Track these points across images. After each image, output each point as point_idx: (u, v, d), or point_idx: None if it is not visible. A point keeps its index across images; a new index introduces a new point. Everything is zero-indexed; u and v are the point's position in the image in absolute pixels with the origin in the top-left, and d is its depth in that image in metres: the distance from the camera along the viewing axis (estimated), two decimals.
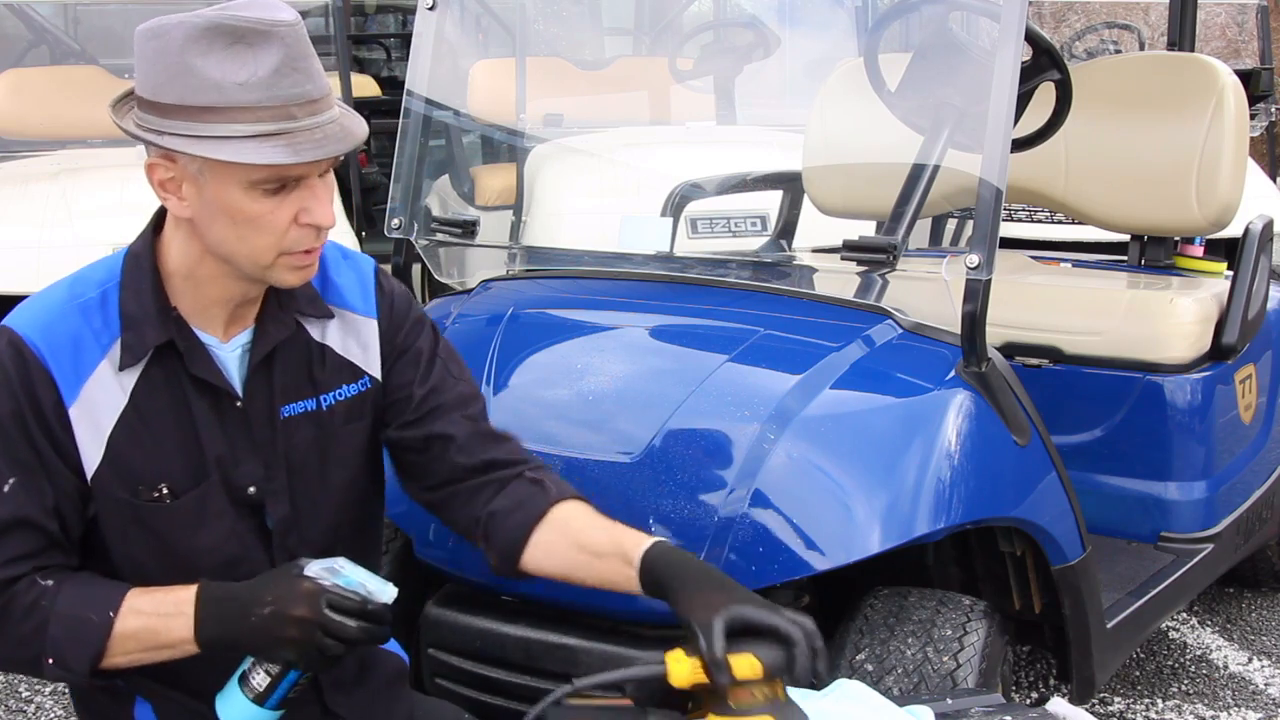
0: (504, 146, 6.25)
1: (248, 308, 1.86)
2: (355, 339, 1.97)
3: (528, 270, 3.13)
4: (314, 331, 1.93)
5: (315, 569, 1.79)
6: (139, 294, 1.80)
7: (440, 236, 2.97)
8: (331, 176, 1.80)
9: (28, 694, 3.48)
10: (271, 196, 1.72)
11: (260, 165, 1.68)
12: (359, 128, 1.76)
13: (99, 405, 1.78)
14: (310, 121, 1.70)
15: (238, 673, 1.82)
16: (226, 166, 1.68)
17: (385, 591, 1.79)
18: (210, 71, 1.66)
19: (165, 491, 1.82)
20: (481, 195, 6.03)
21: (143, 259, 1.82)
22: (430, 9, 2.90)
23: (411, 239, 2.91)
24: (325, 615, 1.73)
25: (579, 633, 2.35)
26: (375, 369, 1.98)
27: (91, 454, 1.78)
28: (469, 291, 2.92)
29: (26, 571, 1.74)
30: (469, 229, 2.96)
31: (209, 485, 1.84)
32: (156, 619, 1.76)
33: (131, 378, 1.80)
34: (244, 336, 1.88)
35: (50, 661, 1.73)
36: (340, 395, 1.95)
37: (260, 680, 1.80)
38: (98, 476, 1.79)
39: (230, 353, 1.87)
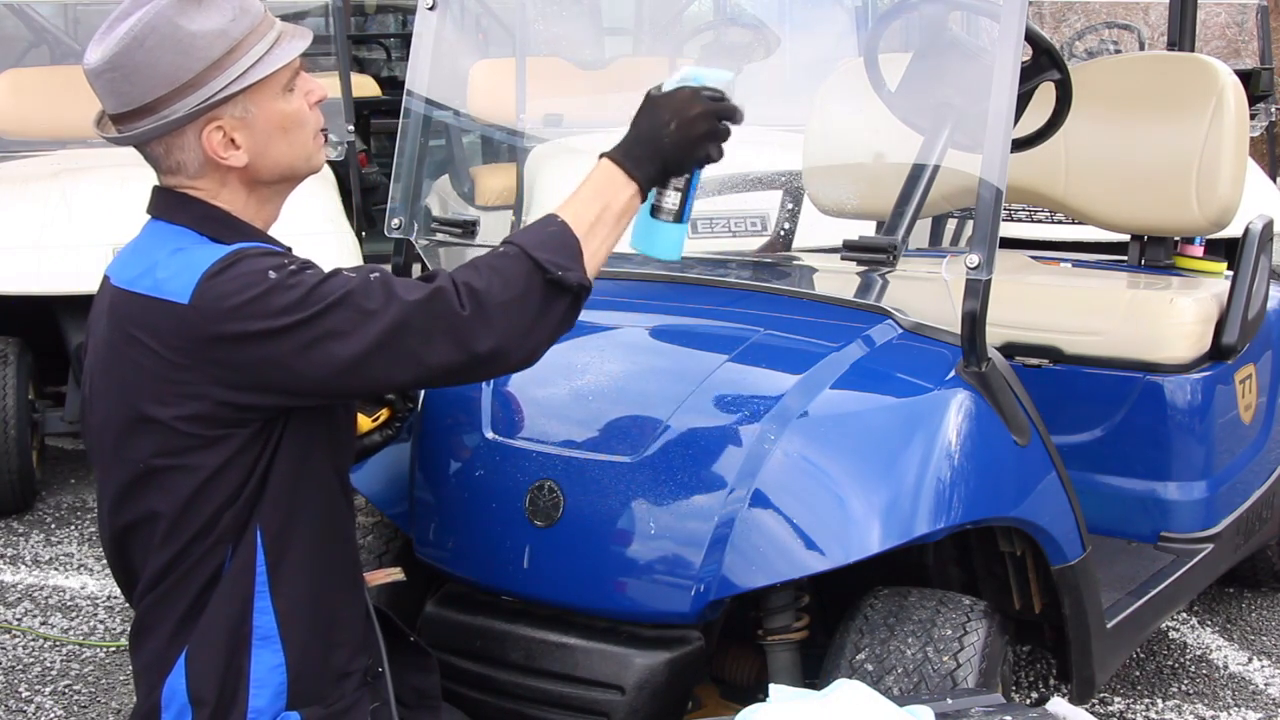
0: (504, 146, 6.25)
1: None
2: None
3: None
4: None
5: (674, 83, 2.10)
6: (248, 235, 1.99)
7: (440, 236, 2.97)
8: None
9: (27, 694, 3.49)
10: (294, 92, 2.00)
11: (288, 64, 1.96)
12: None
13: None
14: (279, 21, 2.01)
15: (644, 211, 2.11)
16: (266, 86, 1.95)
17: (725, 74, 2.14)
18: (208, 26, 1.91)
19: None
20: (481, 195, 6.02)
21: (223, 215, 1.99)
22: (430, 9, 2.90)
23: (411, 239, 2.90)
24: (712, 104, 2.08)
25: (579, 633, 2.35)
26: None
27: None
28: None
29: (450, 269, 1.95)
30: (469, 229, 2.96)
31: None
32: (600, 197, 2.02)
33: None
34: None
35: (561, 272, 1.93)
36: None
37: (672, 200, 2.12)
38: None
39: None
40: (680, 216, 2.14)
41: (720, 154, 2.12)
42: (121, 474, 1.97)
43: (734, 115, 2.11)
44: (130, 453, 1.95)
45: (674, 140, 2.06)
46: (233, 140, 1.96)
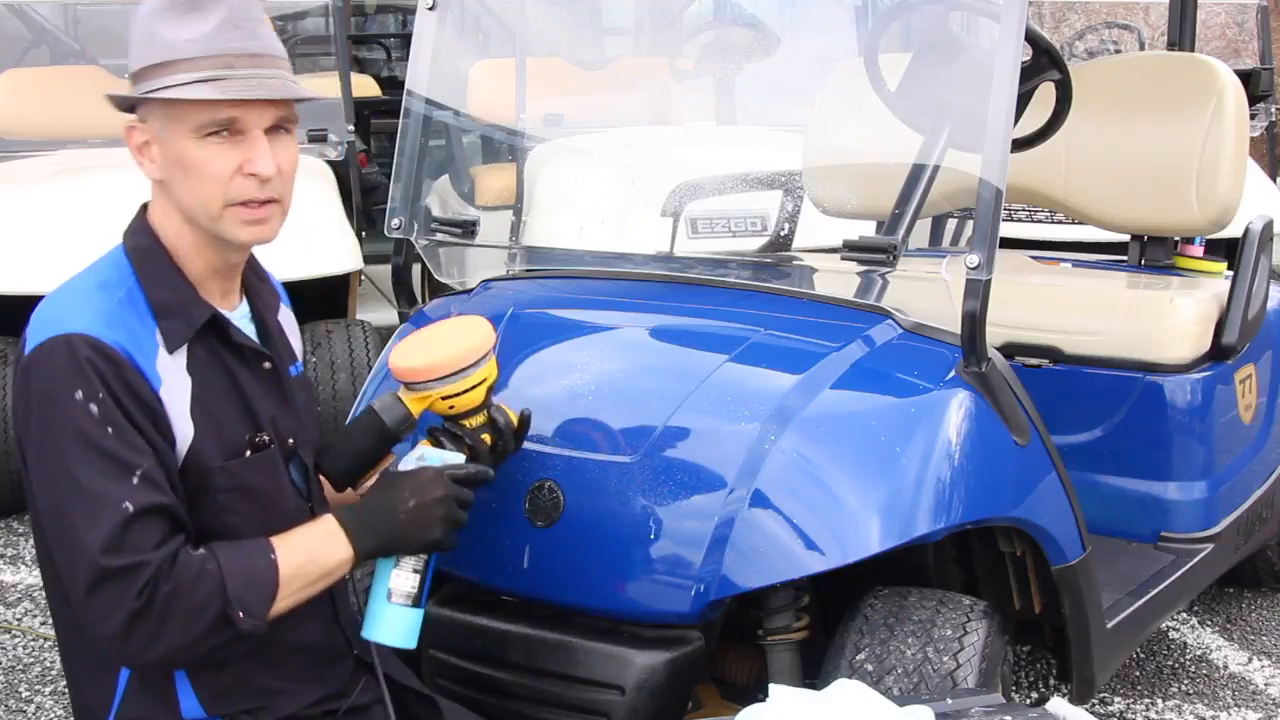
0: (504, 146, 6.25)
1: (233, 280, 2.02)
2: (292, 328, 2.19)
3: (528, 270, 3.13)
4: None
5: (413, 463, 2.05)
6: (168, 283, 1.92)
7: (440, 236, 2.97)
8: (296, 148, 1.97)
9: (27, 694, 3.49)
10: (216, 145, 1.87)
11: (199, 105, 1.84)
12: (299, 90, 1.92)
13: (173, 387, 1.88)
14: (247, 72, 1.87)
15: (379, 595, 2.01)
16: (177, 117, 1.86)
17: (459, 455, 2.11)
18: (166, 33, 1.87)
19: (266, 439, 1.97)
20: (481, 195, 6.03)
21: (155, 252, 1.93)
22: (430, 9, 2.90)
23: (411, 239, 2.91)
24: (455, 489, 2.01)
25: (579, 633, 2.35)
26: (300, 357, 2.20)
27: (185, 431, 1.89)
28: (469, 291, 2.92)
29: (176, 550, 1.82)
30: (469, 229, 2.96)
31: (273, 441, 1.99)
32: (313, 549, 1.92)
33: (181, 359, 1.90)
34: (243, 306, 2.04)
35: (240, 615, 1.83)
36: (299, 367, 2.16)
37: (410, 583, 2.02)
38: (193, 452, 1.89)
39: (241, 321, 2.01)
40: (419, 600, 2.03)
41: (452, 543, 2.03)
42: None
43: (468, 498, 2.04)
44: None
45: (409, 519, 1.97)
46: (150, 149, 1.91)
